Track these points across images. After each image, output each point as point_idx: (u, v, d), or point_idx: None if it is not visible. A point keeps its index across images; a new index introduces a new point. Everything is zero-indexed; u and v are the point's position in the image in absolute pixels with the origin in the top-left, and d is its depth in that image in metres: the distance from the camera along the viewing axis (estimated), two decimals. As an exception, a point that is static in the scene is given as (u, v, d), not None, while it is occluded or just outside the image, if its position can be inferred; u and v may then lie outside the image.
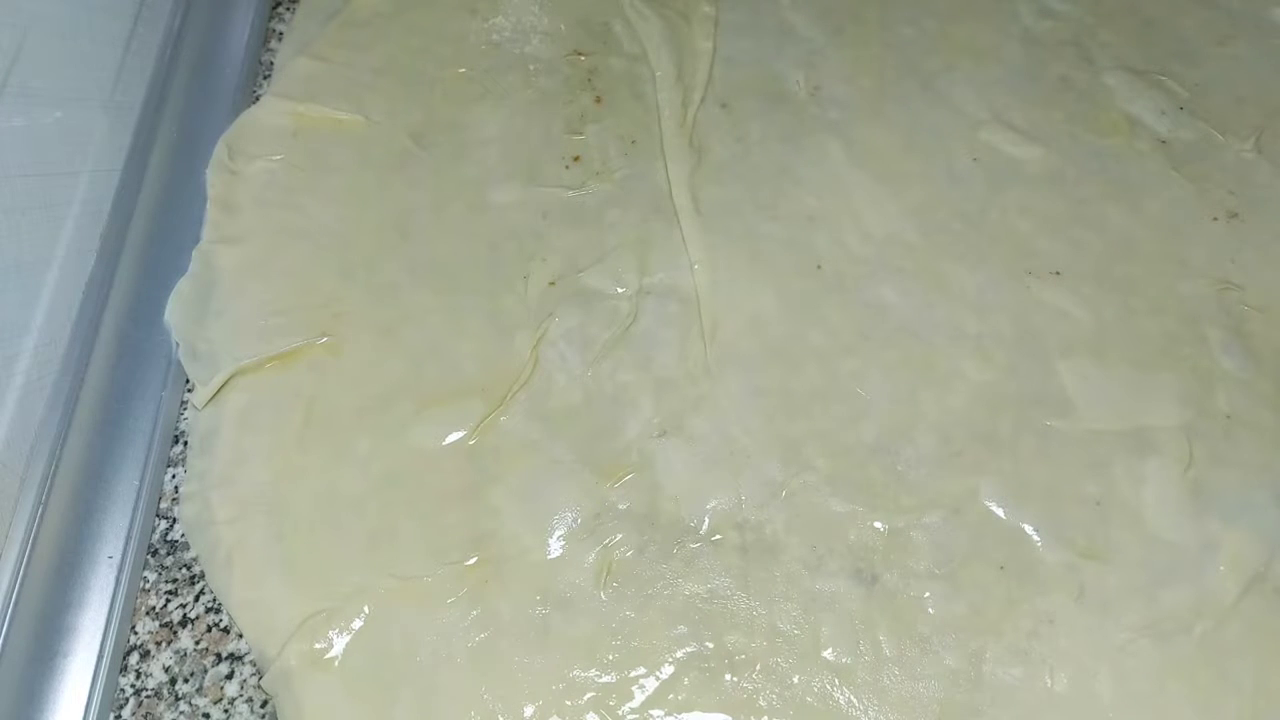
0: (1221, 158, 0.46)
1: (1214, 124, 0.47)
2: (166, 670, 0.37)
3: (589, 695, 0.34)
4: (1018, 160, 0.47)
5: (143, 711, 0.36)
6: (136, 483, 0.40)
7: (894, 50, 0.52)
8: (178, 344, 0.44)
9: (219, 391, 0.42)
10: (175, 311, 0.44)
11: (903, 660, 0.34)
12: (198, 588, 0.38)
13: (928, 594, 0.35)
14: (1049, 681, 0.33)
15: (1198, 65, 0.50)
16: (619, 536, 0.37)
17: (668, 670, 0.34)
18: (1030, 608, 0.35)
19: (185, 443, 0.42)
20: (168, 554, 0.39)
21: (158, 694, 0.36)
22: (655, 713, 0.33)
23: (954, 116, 0.49)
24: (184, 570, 0.39)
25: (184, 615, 0.38)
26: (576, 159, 0.48)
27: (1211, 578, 0.35)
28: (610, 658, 0.35)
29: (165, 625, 0.37)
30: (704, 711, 0.34)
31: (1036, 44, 0.51)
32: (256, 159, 0.49)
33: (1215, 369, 0.40)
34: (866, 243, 0.45)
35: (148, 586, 0.38)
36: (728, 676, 0.34)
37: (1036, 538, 0.36)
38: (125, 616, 0.37)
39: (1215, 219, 0.44)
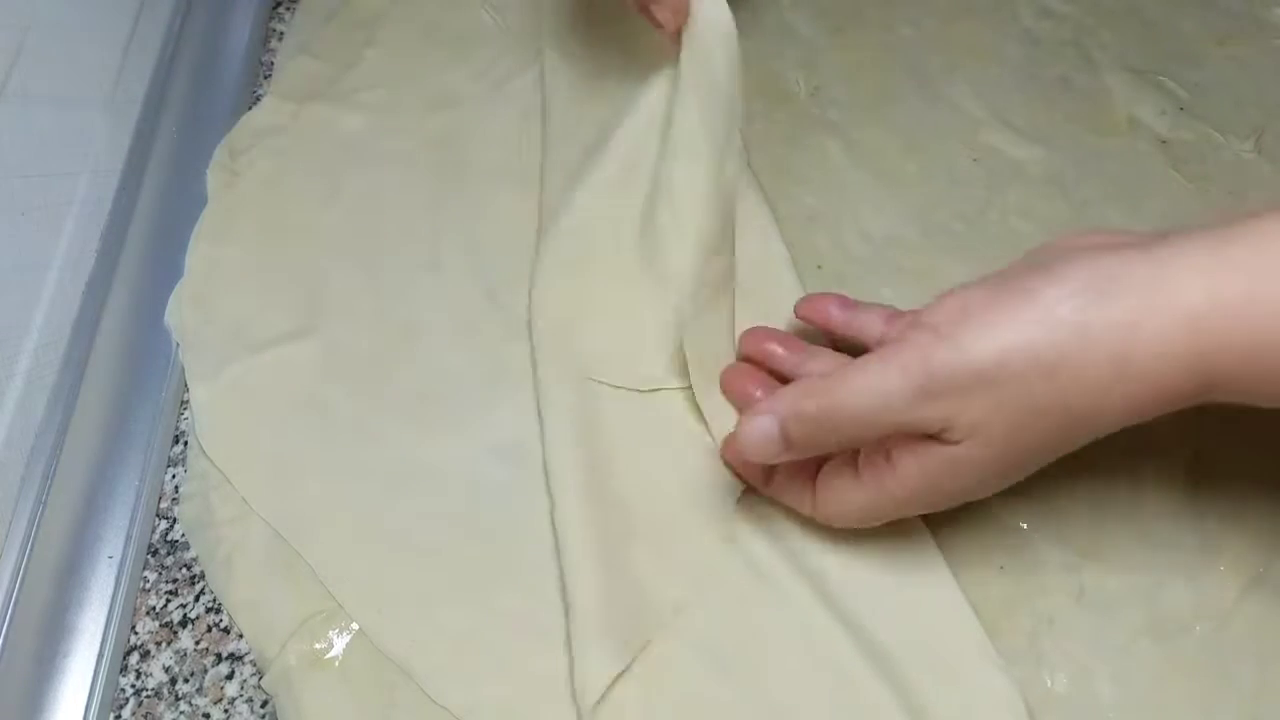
0: (1221, 158, 0.46)
1: (1214, 124, 0.47)
2: (166, 670, 0.37)
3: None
4: (1018, 160, 0.47)
5: (143, 711, 0.36)
6: (136, 483, 0.40)
7: (894, 50, 0.52)
8: (178, 344, 0.44)
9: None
10: (175, 311, 0.44)
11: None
12: (198, 588, 0.38)
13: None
14: (1049, 682, 0.33)
15: (1198, 65, 0.50)
16: None
17: None
18: (1030, 608, 0.35)
19: (185, 443, 0.42)
20: (168, 554, 0.39)
21: (158, 694, 0.36)
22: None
23: (954, 116, 0.49)
24: (184, 570, 0.39)
25: (184, 615, 0.38)
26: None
27: (1211, 578, 0.35)
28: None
29: (165, 625, 0.37)
30: None
31: (1036, 44, 0.51)
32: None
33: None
34: (866, 243, 0.45)
35: (148, 586, 0.38)
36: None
37: (1036, 537, 0.36)
38: (125, 616, 0.37)
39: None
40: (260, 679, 0.36)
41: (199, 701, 0.36)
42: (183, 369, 0.43)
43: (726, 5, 0.36)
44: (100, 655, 0.36)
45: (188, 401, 0.42)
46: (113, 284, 0.44)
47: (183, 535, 0.39)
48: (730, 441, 0.34)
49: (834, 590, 0.35)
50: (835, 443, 0.31)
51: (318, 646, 0.35)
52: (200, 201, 0.48)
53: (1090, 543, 0.36)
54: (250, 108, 0.52)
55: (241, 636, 0.37)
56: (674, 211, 0.39)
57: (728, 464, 0.37)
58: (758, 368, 0.38)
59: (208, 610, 0.38)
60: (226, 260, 0.46)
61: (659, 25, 0.37)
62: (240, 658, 0.36)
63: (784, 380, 0.37)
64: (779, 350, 0.37)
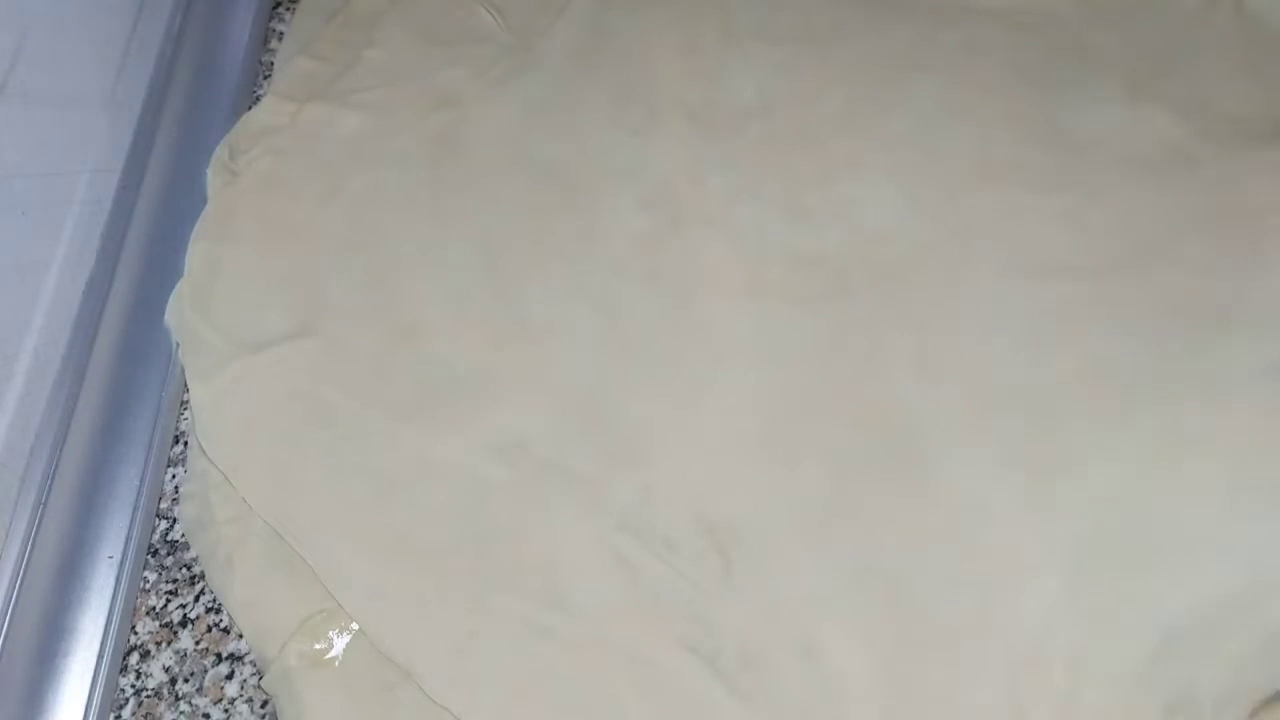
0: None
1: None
2: (166, 670, 0.37)
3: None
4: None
5: (143, 711, 0.36)
6: (136, 483, 0.40)
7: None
8: (178, 344, 0.44)
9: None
10: (175, 311, 0.44)
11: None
12: (198, 588, 0.38)
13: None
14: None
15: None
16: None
17: None
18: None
19: (185, 443, 0.42)
20: (168, 554, 0.39)
21: (158, 694, 0.36)
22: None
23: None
24: (184, 570, 0.39)
25: (184, 615, 0.38)
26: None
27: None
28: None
29: (165, 625, 0.37)
30: None
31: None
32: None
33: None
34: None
35: (148, 586, 0.38)
36: None
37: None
38: (125, 616, 0.37)
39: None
40: (260, 679, 0.36)
41: (199, 701, 0.36)
42: (183, 369, 0.43)
43: None
44: (100, 655, 0.36)
45: (188, 401, 0.42)
46: (113, 284, 0.44)
47: (183, 535, 0.39)
48: None
49: None
50: None
51: (318, 646, 0.35)
52: (200, 201, 0.48)
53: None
54: (250, 108, 0.52)
55: (241, 636, 0.37)
56: None
57: None
58: None
59: (208, 610, 0.38)
60: (226, 260, 0.46)
61: None
62: (240, 658, 0.36)
63: None
64: None
